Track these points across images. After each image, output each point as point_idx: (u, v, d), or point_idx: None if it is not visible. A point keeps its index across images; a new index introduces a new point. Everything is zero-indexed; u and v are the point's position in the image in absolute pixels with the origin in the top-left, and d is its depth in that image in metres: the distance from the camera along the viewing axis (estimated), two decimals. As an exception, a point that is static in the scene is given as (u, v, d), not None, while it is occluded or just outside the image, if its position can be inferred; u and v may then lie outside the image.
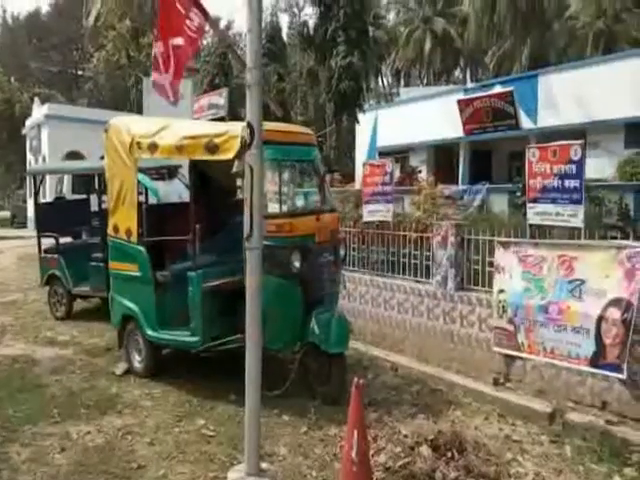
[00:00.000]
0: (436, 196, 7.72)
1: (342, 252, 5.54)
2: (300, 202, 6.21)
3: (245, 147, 4.63)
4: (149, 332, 5.43)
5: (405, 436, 3.95)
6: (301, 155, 5.61)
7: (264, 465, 3.26)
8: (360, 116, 21.15)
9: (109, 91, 40.38)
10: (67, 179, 17.74)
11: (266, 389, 4.99)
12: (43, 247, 8.67)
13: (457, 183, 17.46)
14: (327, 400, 4.84)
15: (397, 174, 18.64)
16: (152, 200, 8.73)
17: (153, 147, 5.16)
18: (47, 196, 17.16)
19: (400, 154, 20.86)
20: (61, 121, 23.25)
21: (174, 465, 3.86)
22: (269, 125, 5.16)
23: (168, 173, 8.48)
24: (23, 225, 26.21)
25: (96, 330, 7.37)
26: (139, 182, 9.27)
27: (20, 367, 6.03)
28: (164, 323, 5.34)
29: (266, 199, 5.02)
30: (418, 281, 7.23)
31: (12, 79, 42.63)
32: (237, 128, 4.68)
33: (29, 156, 28.08)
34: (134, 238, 5.47)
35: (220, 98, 22.40)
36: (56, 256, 8.33)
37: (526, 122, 16.60)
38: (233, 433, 4.32)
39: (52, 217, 8.68)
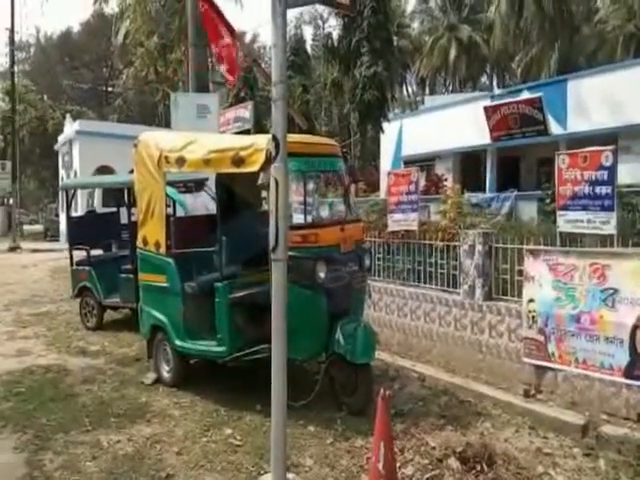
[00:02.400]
0: (462, 204, 7.63)
1: (367, 262, 5.52)
2: (325, 212, 6.24)
3: (270, 160, 4.69)
4: (177, 342, 5.49)
5: (433, 448, 3.89)
6: (326, 166, 5.64)
7: (290, 476, 3.25)
8: (385, 125, 21.13)
9: (138, 106, 41.30)
10: (98, 193, 18.15)
11: (291, 400, 4.99)
12: (75, 260, 8.88)
13: (484, 191, 17.27)
14: (353, 411, 4.82)
15: (422, 183, 18.58)
16: (180, 213, 8.87)
17: (181, 161, 5.28)
18: (79, 210, 17.58)
19: (425, 162, 20.73)
20: (92, 137, 23.85)
21: (202, 474, 3.89)
22: (294, 137, 5.21)
23: (195, 186, 8.61)
24: (55, 239, 26.88)
25: (126, 340, 7.50)
26: (167, 195, 9.50)
27: (53, 377, 6.16)
28: (192, 333, 5.40)
29: (291, 210, 5.06)
30: (445, 290, 7.16)
31: (45, 97, 43.93)
32: (262, 141, 4.74)
33: (61, 171, 28.84)
34: (162, 250, 5.56)
35: (246, 111, 22.65)
36: (87, 268, 8.52)
37: (555, 128, 16.34)
38: (260, 443, 4.32)
39: (83, 230, 8.89)
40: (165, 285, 5.57)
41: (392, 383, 5.68)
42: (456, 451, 3.78)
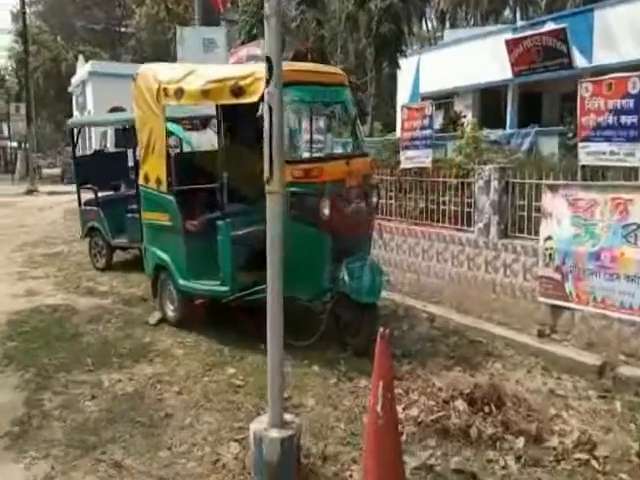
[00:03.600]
0: (479, 140, 7.23)
1: (375, 198, 5.24)
2: (330, 146, 5.91)
3: None
4: (180, 282, 5.37)
5: (439, 389, 3.75)
6: (331, 96, 5.27)
7: (288, 417, 3.13)
8: (402, 61, 20.22)
9: (151, 46, 40.31)
10: (110, 133, 17.87)
11: (296, 339, 4.90)
12: (83, 200, 8.76)
13: (504, 128, 16.61)
14: (358, 351, 4.68)
15: (440, 120, 17.97)
16: (187, 150, 8.62)
17: (179, 93, 5.05)
18: (92, 150, 17.36)
19: (444, 99, 19.97)
20: (105, 77, 23.38)
21: (201, 414, 3.82)
22: (296, 65, 4.86)
23: (201, 123, 8.32)
24: (72, 181, 26.83)
25: (134, 281, 7.45)
26: (173, 133, 9.20)
27: (60, 316, 6.15)
28: (195, 273, 5.26)
29: (295, 142, 4.77)
30: (459, 229, 6.90)
31: (59, 38, 43.06)
32: (263, 70, 4.42)
33: (75, 113, 28.57)
34: (164, 187, 5.36)
35: (257, 48, 21.87)
36: (95, 209, 8.40)
37: (580, 61, 15.44)
38: (262, 383, 4.19)
39: (90, 170, 8.70)
40: (167, 223, 5.40)
41: (400, 323, 5.52)
42: (464, 392, 3.63)
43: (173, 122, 8.15)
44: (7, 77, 43.35)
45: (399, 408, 3.60)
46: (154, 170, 5.45)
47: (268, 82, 2.91)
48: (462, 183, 6.84)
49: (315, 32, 20.22)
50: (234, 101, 4.60)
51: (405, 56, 19.97)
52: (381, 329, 2.70)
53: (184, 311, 5.55)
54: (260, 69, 4.50)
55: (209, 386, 4.24)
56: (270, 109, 2.89)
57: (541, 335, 5.42)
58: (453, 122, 14.56)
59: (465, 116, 16.76)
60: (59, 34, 43.99)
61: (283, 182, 2.99)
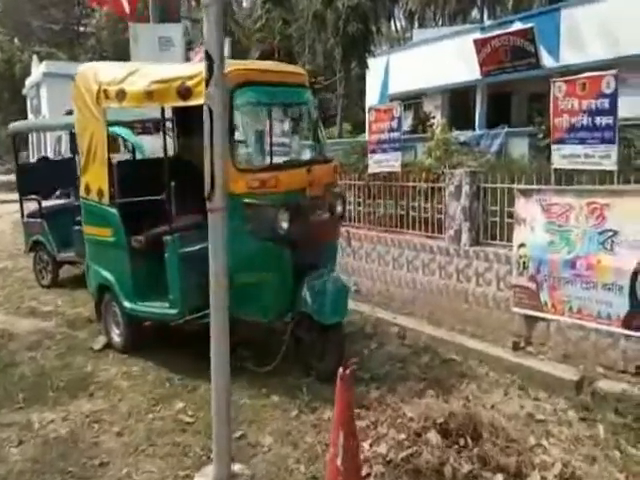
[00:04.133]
0: (449, 142, 6.93)
1: (339, 208, 4.84)
2: (297, 151, 5.50)
3: None
4: (126, 304, 4.89)
5: (411, 419, 3.38)
6: (291, 97, 4.85)
7: (237, 468, 2.72)
8: (370, 62, 19.98)
9: (111, 46, 39.18)
10: (65, 138, 17.05)
11: (255, 364, 4.49)
12: (27, 212, 8.15)
13: (474, 129, 16.47)
14: (322, 377, 4.28)
15: (409, 122, 17.74)
16: (140, 157, 8.07)
17: (121, 95, 4.60)
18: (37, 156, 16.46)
19: (413, 100, 19.79)
20: (60, 79, 22.33)
21: (141, 461, 3.35)
22: (251, 63, 4.45)
23: (154, 127, 7.78)
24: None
25: (81, 299, 6.87)
26: (123, 138, 8.64)
27: (-6, 343, 5.58)
28: (142, 294, 4.78)
29: (251, 149, 4.36)
30: (429, 236, 6.58)
31: (16, 39, 41.62)
32: None
33: (30, 116, 27.46)
34: (106, 199, 4.88)
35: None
36: (39, 220, 7.79)
37: (548, 60, 15.40)
38: (210, 419, 3.79)
39: (35, 179, 8.08)
40: (110, 239, 4.91)
41: (369, 341, 5.13)
42: (437, 423, 3.26)
43: (123, 126, 7.63)
44: None
45: (366, 445, 3.23)
46: (95, 180, 4.97)
47: (208, 82, 2.49)
48: (432, 188, 6.53)
49: (282, 31, 19.80)
50: (181, 103, 4.18)
51: (374, 56, 19.71)
52: (341, 370, 2.30)
53: (131, 336, 5.06)
54: (208, 68, 4.12)
55: (154, 425, 3.78)
56: (210, 113, 2.47)
57: (516, 347, 5.12)
58: (422, 123, 14.31)
59: (434, 117, 16.57)
60: (15, 35, 42.51)
61: (225, 197, 2.58)
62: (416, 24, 37.72)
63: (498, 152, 11.69)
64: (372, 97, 21.28)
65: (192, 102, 4.09)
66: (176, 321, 4.53)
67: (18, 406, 4.13)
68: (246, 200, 4.08)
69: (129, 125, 7.40)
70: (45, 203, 7.93)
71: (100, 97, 4.74)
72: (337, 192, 4.95)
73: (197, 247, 4.37)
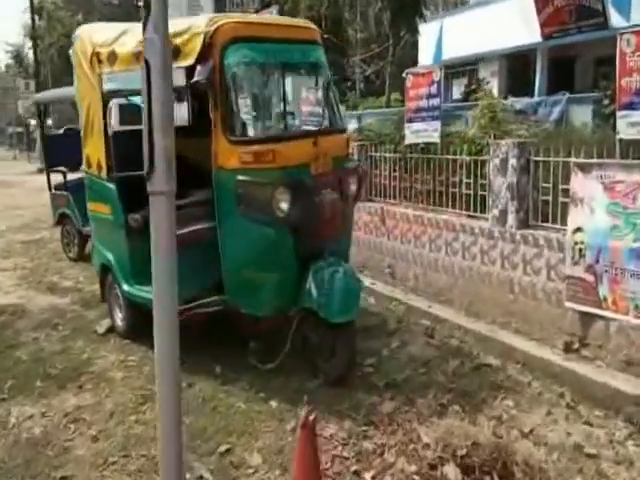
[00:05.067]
0: (496, 108, 6.10)
1: (353, 187, 4.18)
2: (292, 121, 4.83)
3: (210, 47, 3.41)
4: (124, 287, 4.48)
5: (426, 446, 2.78)
6: (297, 56, 4.17)
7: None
8: (422, 27, 18.69)
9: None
10: (115, 109, 16.82)
11: (259, 361, 3.99)
12: (54, 184, 7.93)
13: (533, 96, 15.21)
14: (330, 379, 3.73)
15: (462, 89, 16.62)
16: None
17: (112, 57, 4.15)
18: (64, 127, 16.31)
19: (468, 66, 18.56)
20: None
21: (107, 477, 2.91)
22: (248, 16, 3.84)
23: (176, 95, 7.26)
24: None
25: (102, 275, 6.60)
26: (137, 106, 8.19)
27: (3, 320, 5.37)
28: (139, 278, 4.35)
29: (244, 116, 3.77)
30: (471, 216, 5.85)
31: (81, 15, 42.37)
32: (201, 22, 3.48)
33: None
34: (104, 173, 4.45)
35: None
36: (65, 193, 7.54)
37: (617, 20, 13.80)
38: (200, 425, 3.33)
39: (62, 150, 7.79)
40: (109, 217, 4.49)
41: (390, 339, 4.49)
42: (457, 454, 2.65)
43: (138, 94, 7.19)
44: (25, 55, 43.20)
45: (367, 476, 2.66)
46: (95, 153, 4.54)
47: (145, 24, 1.91)
48: (475, 161, 5.76)
49: (328, -3, 18.79)
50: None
51: (425, 20, 18.44)
52: (302, 416, 1.71)
53: (132, 321, 4.66)
54: (199, 22, 3.54)
55: (133, 430, 3.34)
56: (147, 68, 1.90)
57: (568, 349, 4.40)
58: (474, 90, 13.23)
59: (488, 83, 15.40)
60: (78, 10, 43.27)
61: (171, 176, 2.02)
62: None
63: (558, 121, 10.58)
64: (425, 64, 20.11)
65: (180, 63, 3.56)
66: None
67: (1, 397, 3.80)
68: (239, 177, 3.52)
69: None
70: (71, 175, 7.65)
71: (94, 61, 4.30)
72: (352, 167, 4.27)
73: (188, 229, 3.86)
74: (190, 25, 3.54)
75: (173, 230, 2.11)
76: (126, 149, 4.45)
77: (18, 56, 42.91)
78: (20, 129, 35.30)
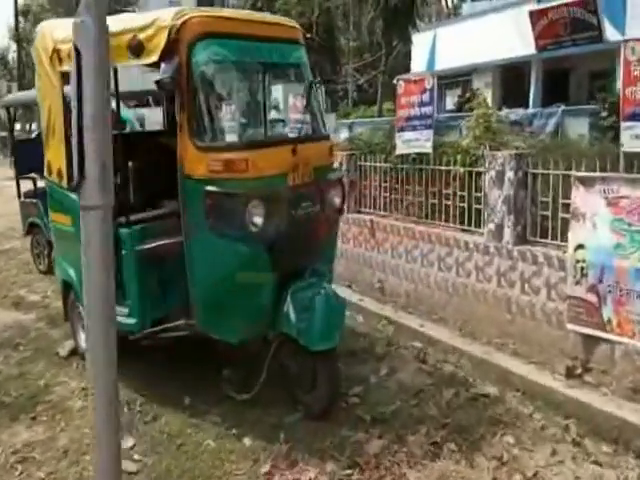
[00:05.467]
0: (491, 119, 5.82)
1: (337, 200, 3.82)
2: (269, 127, 4.46)
3: (175, 42, 3.08)
4: (87, 306, 4.09)
5: (416, 495, 2.41)
6: (276, 56, 3.80)
7: None
8: (416, 37, 18.58)
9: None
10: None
11: (234, 390, 3.62)
12: (24, 191, 7.52)
13: (527, 108, 15.02)
14: (312, 412, 3.36)
15: (455, 99, 16.44)
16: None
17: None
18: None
19: (462, 77, 18.38)
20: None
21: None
22: (221, 10, 3.50)
23: (155, 99, 6.94)
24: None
25: (72, 290, 6.21)
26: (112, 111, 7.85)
27: (-37, 339, 4.96)
28: None
29: (217, 121, 3.42)
30: (465, 230, 5.54)
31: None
32: (167, 16, 3.16)
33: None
34: (64, 182, 4.08)
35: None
36: (35, 201, 7.13)
37: (612, 34, 13.66)
38: (164, 467, 2.96)
39: (33, 156, 7.39)
40: (70, 229, 4.11)
41: (378, 365, 4.12)
42: (450, 506, 2.29)
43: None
44: (12, 58, 42.90)
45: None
46: (55, 159, 4.19)
47: (77, 3, 1.57)
48: (470, 173, 5.46)
49: (321, 5, 18.62)
50: (135, 62, 3.31)
51: (418, 30, 18.30)
52: None
53: None
54: (165, 15, 3.22)
55: (87, 472, 2.96)
56: (78, 56, 1.56)
57: (570, 374, 4.08)
58: (468, 99, 13.00)
59: (481, 93, 15.19)
60: (64, 12, 43.01)
61: (104, 189, 1.67)
62: (468, -3, 35.64)
63: (554, 132, 10.36)
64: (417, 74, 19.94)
65: (144, 60, 3.23)
66: (134, 334, 3.68)
67: (-57, 430, 3.41)
68: (207, 187, 3.17)
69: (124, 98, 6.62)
70: (42, 183, 7.26)
71: (54, 58, 3.96)
72: (335, 178, 3.92)
73: (156, 244, 3.50)
74: (155, 18, 3.22)
75: (109, 249, 1.76)
76: None
77: (3, 59, 42.57)
78: (4, 133, 34.84)
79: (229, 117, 3.56)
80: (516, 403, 3.63)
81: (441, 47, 19.09)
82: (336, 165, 7.13)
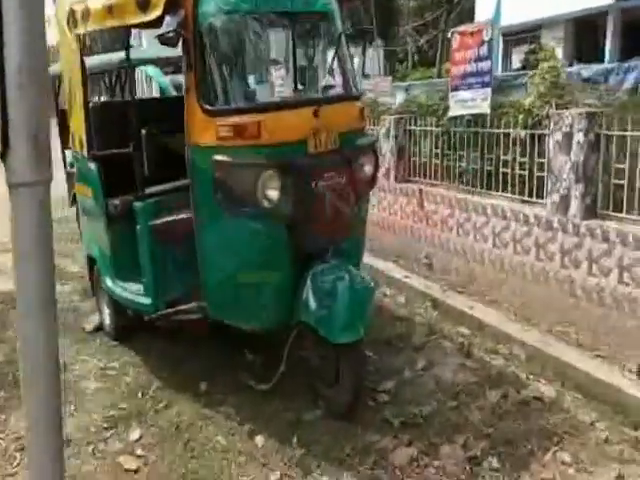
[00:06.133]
0: (559, 73, 5.09)
1: (368, 168, 3.29)
2: (288, 86, 3.91)
3: None
4: (107, 282, 3.85)
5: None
6: (297, 4, 3.24)
7: None
8: (479, -10, 17.31)
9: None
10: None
11: (254, 379, 3.30)
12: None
13: (603, 63, 13.70)
14: (333, 409, 2.97)
15: (521, 56, 15.28)
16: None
17: (86, 15, 3.52)
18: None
19: (530, 33, 17.03)
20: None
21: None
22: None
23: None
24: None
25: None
26: (149, 77, 7.54)
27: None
28: (122, 272, 3.71)
29: (228, 81, 2.99)
30: (525, 201, 4.95)
31: None
32: None
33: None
34: (85, 151, 3.82)
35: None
36: None
37: None
38: (164, 464, 2.68)
39: None
40: (92, 202, 3.87)
41: (414, 356, 3.62)
42: None
43: (150, 63, 6.50)
44: None
45: None
46: (78, 128, 3.92)
47: None
48: (532, 136, 4.82)
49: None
50: (143, 19, 2.91)
51: (482, -18, 17.02)
52: None
53: (118, 321, 4.04)
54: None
55: (86, 465, 2.72)
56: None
57: (643, 372, 3.49)
58: (534, 53, 11.93)
59: (553, 49, 13.96)
60: None
61: (41, 161, 1.29)
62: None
63: (632, 90, 9.26)
64: (481, 31, 18.65)
65: (150, 15, 2.82)
66: (149, 314, 3.40)
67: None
68: (216, 157, 2.77)
69: (155, 63, 6.26)
70: None
71: (70, 21, 3.67)
72: (366, 144, 3.35)
73: (170, 218, 3.17)
74: None
75: (47, 239, 1.39)
76: (110, 124, 3.80)
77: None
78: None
79: (242, 76, 3.09)
80: (575, 408, 3.09)
81: (507, 1, 17.72)
82: (378, 129, 6.60)
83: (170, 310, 3.23)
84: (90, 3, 3.40)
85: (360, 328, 2.81)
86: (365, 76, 15.20)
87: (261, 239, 2.87)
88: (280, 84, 3.50)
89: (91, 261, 4.27)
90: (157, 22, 2.85)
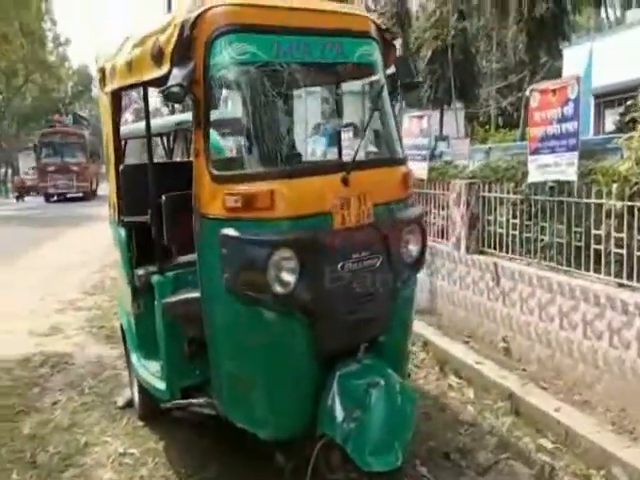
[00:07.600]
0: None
1: (414, 248, 2.76)
2: (314, 147, 3.45)
3: (190, 41, 2.36)
4: (132, 357, 3.51)
5: None
6: (330, 53, 2.73)
7: None
8: (567, 51, 16.64)
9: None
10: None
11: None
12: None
13: None
14: None
15: (616, 118, 14.33)
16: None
17: (112, 73, 3.37)
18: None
19: (625, 94, 16.03)
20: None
21: None
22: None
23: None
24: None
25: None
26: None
27: (41, 374, 4.79)
28: (145, 349, 3.34)
29: (241, 141, 2.62)
30: (622, 285, 4.17)
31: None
32: (182, 12, 2.48)
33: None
34: (116, 215, 3.60)
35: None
36: None
37: None
38: None
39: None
40: (121, 269, 3.62)
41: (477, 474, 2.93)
42: None
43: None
44: None
45: None
46: (111, 191, 3.74)
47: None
48: (630, 208, 4.11)
49: (457, 25, 17.45)
50: (158, 73, 2.62)
51: (570, 43, 16.33)
52: None
53: (144, 400, 3.65)
54: (188, 8, 2.51)
55: None
56: None
57: None
58: (633, 120, 10.98)
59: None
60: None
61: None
62: (634, 3, 31.86)
63: None
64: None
65: (165, 69, 2.51)
66: (164, 401, 2.97)
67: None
68: (224, 231, 2.35)
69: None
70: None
71: (101, 79, 3.56)
72: (410, 218, 2.81)
73: (184, 297, 2.76)
74: (175, 15, 2.53)
75: None
76: (140, 187, 3.55)
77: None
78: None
79: (258, 137, 2.65)
80: None
81: (599, 61, 16.86)
82: (450, 195, 6.03)
83: (183, 401, 2.79)
84: (117, 60, 3.23)
85: (397, 453, 2.20)
86: (443, 138, 14.83)
87: (275, 331, 2.38)
88: (307, 146, 3.10)
89: (122, 331, 3.99)
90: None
